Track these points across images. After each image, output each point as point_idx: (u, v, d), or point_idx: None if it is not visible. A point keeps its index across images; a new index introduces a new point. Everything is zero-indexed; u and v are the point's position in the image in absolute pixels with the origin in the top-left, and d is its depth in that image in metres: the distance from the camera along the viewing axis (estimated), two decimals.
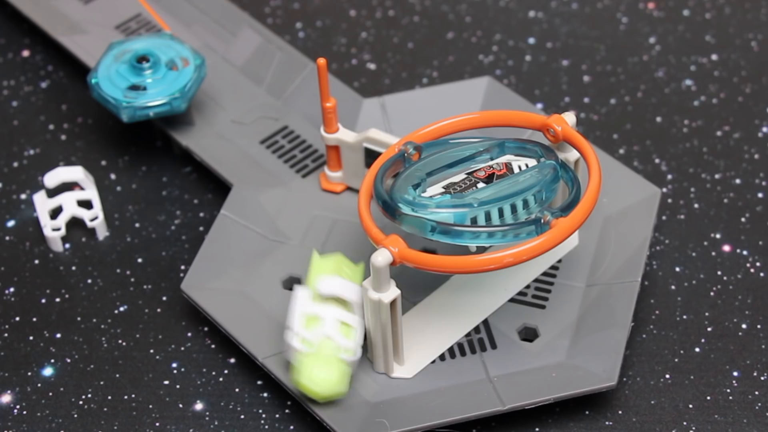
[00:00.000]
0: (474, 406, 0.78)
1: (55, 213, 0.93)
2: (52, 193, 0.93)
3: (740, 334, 0.85)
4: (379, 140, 0.86)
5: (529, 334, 0.83)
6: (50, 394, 0.83)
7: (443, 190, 0.77)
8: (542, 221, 0.75)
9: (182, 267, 0.90)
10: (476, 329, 0.83)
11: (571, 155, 0.82)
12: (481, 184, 0.77)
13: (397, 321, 0.77)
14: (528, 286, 0.85)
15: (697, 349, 0.84)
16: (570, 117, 0.81)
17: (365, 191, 0.78)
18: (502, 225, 0.75)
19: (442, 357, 0.82)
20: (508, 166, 0.78)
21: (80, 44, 1.01)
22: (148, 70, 0.92)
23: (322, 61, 0.84)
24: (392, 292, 0.76)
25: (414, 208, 0.76)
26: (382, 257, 0.74)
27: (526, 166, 0.78)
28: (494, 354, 0.81)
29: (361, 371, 0.80)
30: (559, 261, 0.86)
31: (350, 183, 0.91)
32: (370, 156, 0.87)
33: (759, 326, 0.85)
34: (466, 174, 0.78)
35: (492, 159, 0.79)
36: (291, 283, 0.86)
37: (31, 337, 0.86)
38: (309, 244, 0.88)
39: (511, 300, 0.84)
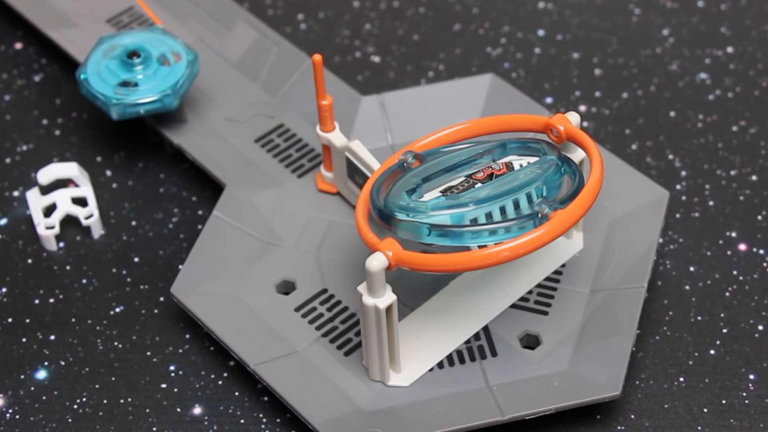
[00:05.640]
0: (473, 416, 0.78)
1: (49, 211, 0.92)
2: (46, 190, 0.93)
3: (756, 335, 0.85)
4: (359, 155, 0.86)
5: (530, 342, 0.83)
6: (44, 397, 0.83)
7: (440, 194, 0.77)
8: (540, 215, 0.74)
9: (180, 267, 0.90)
10: (476, 336, 0.83)
11: (577, 156, 0.82)
12: (479, 185, 0.77)
13: (394, 327, 0.77)
14: (530, 292, 0.85)
15: (712, 351, 0.84)
16: (574, 117, 0.81)
17: (363, 201, 0.79)
18: (501, 222, 0.75)
19: (440, 365, 0.81)
20: (509, 166, 0.78)
21: (70, 38, 1.01)
22: (138, 66, 0.92)
23: (317, 57, 0.83)
24: (388, 297, 0.76)
25: (409, 213, 0.76)
26: (377, 261, 0.74)
27: (528, 164, 0.78)
28: (494, 362, 0.81)
29: (356, 379, 0.80)
30: (563, 266, 0.86)
31: (339, 187, 0.91)
32: (351, 166, 0.87)
33: None
34: (465, 176, 0.78)
35: (494, 161, 0.79)
36: (285, 287, 0.86)
37: (24, 339, 0.86)
38: (304, 247, 0.88)
39: (513, 306, 0.84)
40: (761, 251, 0.89)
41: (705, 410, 0.81)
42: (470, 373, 0.80)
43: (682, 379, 0.82)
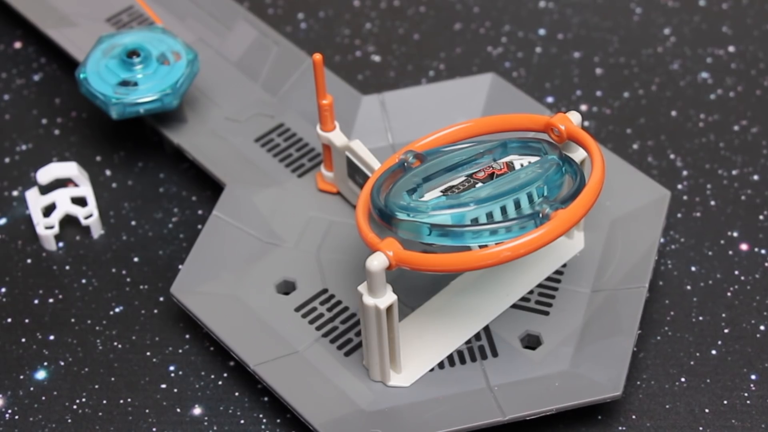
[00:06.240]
0: (473, 417, 0.77)
1: (48, 210, 0.92)
2: (45, 189, 0.93)
3: (758, 335, 0.84)
4: (359, 154, 0.86)
5: (531, 342, 0.82)
6: (43, 398, 0.83)
7: (441, 194, 0.77)
8: (541, 214, 0.74)
9: (179, 266, 0.89)
10: (477, 336, 0.82)
11: (578, 155, 0.82)
12: (480, 185, 0.77)
13: (394, 327, 0.77)
14: (531, 292, 0.84)
15: (713, 352, 0.84)
16: (575, 116, 0.80)
17: (363, 201, 0.78)
18: (501, 221, 0.74)
19: (440, 365, 0.81)
20: (510, 165, 0.78)
21: (69, 37, 1.01)
22: (138, 65, 0.91)
23: (318, 56, 0.83)
24: (388, 297, 0.75)
25: (410, 213, 0.76)
26: (377, 261, 0.74)
27: (529, 163, 0.78)
28: (495, 362, 0.81)
29: (356, 379, 0.80)
30: (564, 265, 0.86)
31: (339, 186, 0.90)
32: (352, 166, 0.87)
33: None
34: (466, 176, 0.78)
35: (495, 160, 0.79)
36: (285, 287, 0.85)
37: (23, 339, 0.86)
38: (304, 247, 0.87)
39: (514, 306, 0.84)
40: (763, 251, 0.89)
41: (706, 411, 0.80)
42: (471, 373, 0.80)
43: (683, 380, 0.82)
